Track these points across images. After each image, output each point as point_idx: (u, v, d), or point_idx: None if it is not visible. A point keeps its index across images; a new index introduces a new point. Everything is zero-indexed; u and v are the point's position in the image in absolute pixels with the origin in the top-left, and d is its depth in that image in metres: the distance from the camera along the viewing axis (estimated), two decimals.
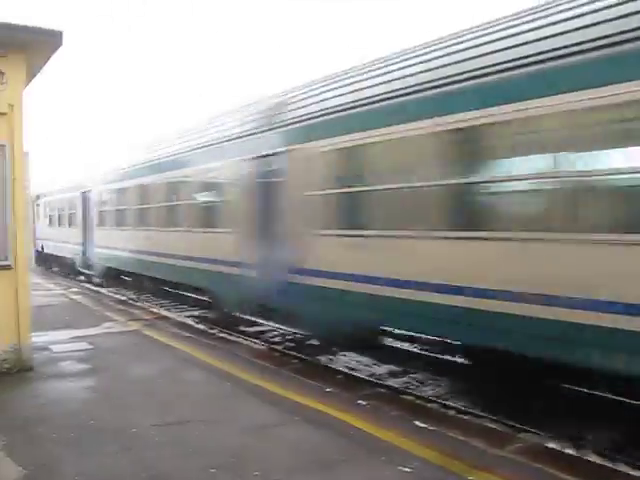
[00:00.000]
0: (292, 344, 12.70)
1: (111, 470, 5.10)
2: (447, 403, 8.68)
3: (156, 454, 5.43)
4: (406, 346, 12.10)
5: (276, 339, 13.23)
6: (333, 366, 10.80)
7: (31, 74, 9.02)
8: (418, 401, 8.51)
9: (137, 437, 5.82)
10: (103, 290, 20.50)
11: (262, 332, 13.87)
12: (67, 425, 6.15)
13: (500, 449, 5.71)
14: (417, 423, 6.43)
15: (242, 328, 14.02)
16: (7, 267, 8.28)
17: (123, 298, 18.28)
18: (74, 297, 16.96)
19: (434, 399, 8.90)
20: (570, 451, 6.51)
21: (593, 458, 6.32)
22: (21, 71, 8.38)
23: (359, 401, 7.19)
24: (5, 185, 8.22)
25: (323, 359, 11.34)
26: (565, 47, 6.28)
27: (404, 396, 8.75)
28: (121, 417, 6.42)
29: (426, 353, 11.60)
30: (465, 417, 7.72)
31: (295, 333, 13.66)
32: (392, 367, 10.80)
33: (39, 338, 9.70)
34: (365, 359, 11.35)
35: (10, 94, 8.23)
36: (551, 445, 6.59)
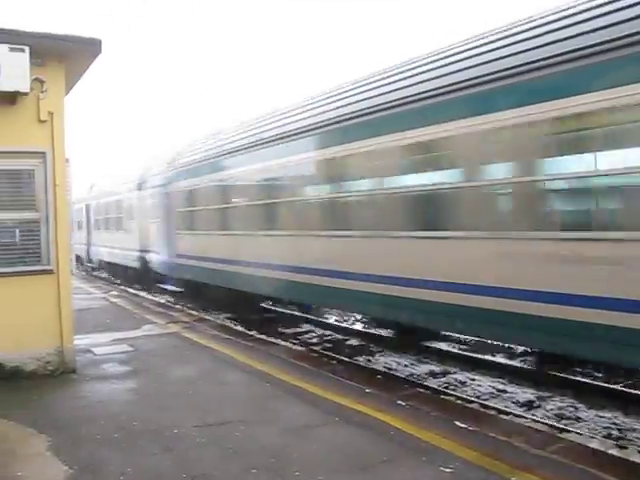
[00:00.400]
0: (330, 345, 12.74)
1: (154, 470, 5.16)
2: (487, 403, 8.62)
3: (198, 455, 5.48)
4: (445, 346, 12.04)
5: (314, 340, 13.29)
6: (372, 366, 10.79)
7: (71, 82, 9.17)
8: (458, 401, 8.47)
9: (179, 438, 5.88)
10: (142, 293, 20.76)
11: (300, 333, 13.95)
12: (110, 426, 6.24)
13: (542, 449, 5.63)
14: (457, 423, 6.39)
15: (280, 329, 14.10)
16: (49, 271, 8.44)
17: (162, 301, 18.50)
18: (114, 300, 17.20)
19: (474, 399, 8.85)
20: (613, 451, 6.43)
21: (637, 459, 6.23)
22: (60, 79, 8.54)
23: (399, 401, 7.16)
24: (47, 191, 8.38)
25: (361, 360, 11.35)
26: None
27: (444, 396, 8.71)
28: (163, 418, 6.49)
29: (465, 353, 11.55)
30: (506, 417, 7.65)
31: (332, 334, 13.69)
32: (432, 367, 10.76)
33: (81, 341, 9.86)
34: (404, 360, 11.33)
35: (50, 102, 8.39)
36: (594, 445, 6.51)
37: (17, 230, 8.48)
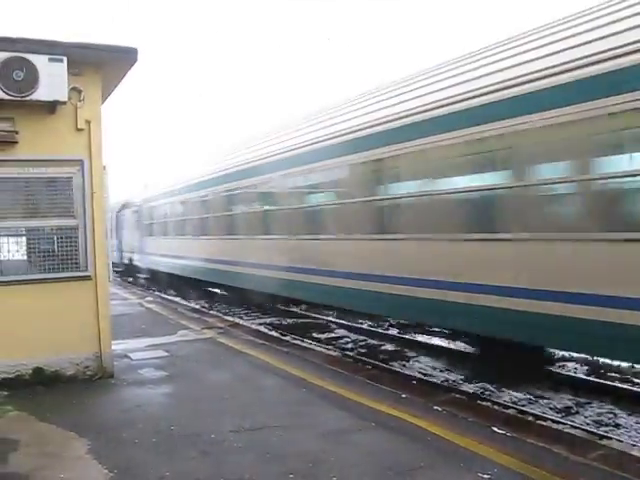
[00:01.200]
0: (364, 350, 12.72)
1: (192, 475, 5.19)
2: (525, 409, 8.53)
3: (235, 459, 5.50)
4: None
5: (348, 345, 13.28)
6: (407, 372, 10.75)
7: (107, 90, 9.30)
8: (495, 407, 8.39)
9: (216, 442, 5.91)
10: (177, 299, 20.94)
11: (334, 339, 13.94)
12: (148, 430, 6.31)
13: (582, 456, 5.55)
14: (495, 429, 6.33)
15: (315, 335, 14.12)
16: (87, 277, 8.56)
17: (197, 306, 18.64)
18: (149, 306, 17.38)
19: (511, 405, 8.76)
20: None
21: None
22: (97, 88, 8.67)
23: (435, 407, 7.12)
24: (85, 198, 8.51)
25: (396, 365, 11.31)
26: None
27: (480, 402, 8.64)
28: (200, 422, 6.54)
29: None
30: (544, 423, 7.56)
31: (367, 339, 13.67)
32: (467, 373, 10.67)
33: (118, 346, 9.96)
34: (439, 364, 11.27)
35: (87, 111, 8.52)
36: (635, 452, 6.40)
37: (55, 237, 8.62)
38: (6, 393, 7.77)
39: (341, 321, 15.18)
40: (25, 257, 8.65)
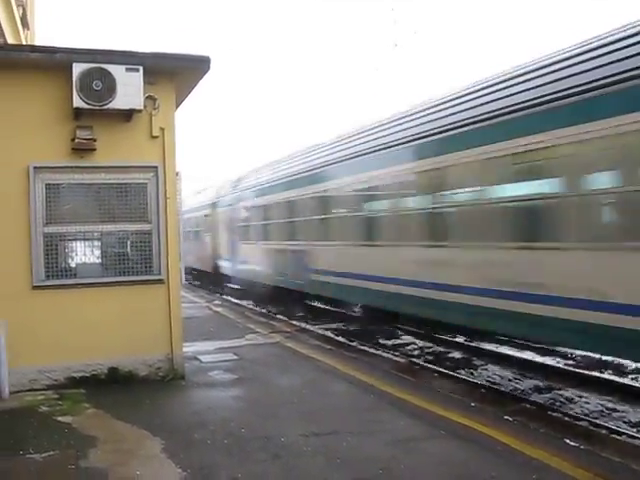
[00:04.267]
0: (431, 357, 12.62)
1: (263, 477, 5.28)
2: (598, 422, 8.32)
3: (305, 463, 5.55)
4: (550, 361, 11.72)
5: (415, 352, 13.19)
6: (475, 380, 10.62)
7: (181, 98, 9.53)
8: (566, 418, 8.22)
9: (286, 446, 5.97)
10: (244, 302, 21.21)
11: (401, 345, 13.87)
12: (220, 432, 6.41)
13: None
14: (567, 441, 6.21)
15: (381, 341, 14.09)
16: (160, 281, 8.77)
17: (264, 311, 18.84)
18: (217, 309, 17.65)
19: (583, 417, 8.56)
20: None
21: None
22: (171, 96, 8.89)
23: (505, 416, 7.03)
24: (158, 203, 8.73)
25: (464, 373, 11.18)
26: None
27: (551, 412, 8.47)
28: (269, 426, 6.61)
29: (572, 369, 11.19)
30: (619, 437, 7.36)
31: (433, 346, 13.55)
32: (536, 382, 10.49)
33: (188, 348, 10.14)
34: (507, 373, 11.10)
35: (162, 118, 8.75)
36: None
37: (129, 241, 8.87)
38: (83, 391, 8.04)
39: (407, 327, 15.10)
40: (100, 260, 8.92)
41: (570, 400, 9.51)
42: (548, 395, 9.81)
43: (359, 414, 7.03)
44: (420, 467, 5.44)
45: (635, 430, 8.11)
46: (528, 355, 12.01)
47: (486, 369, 11.55)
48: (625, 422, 8.52)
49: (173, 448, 5.95)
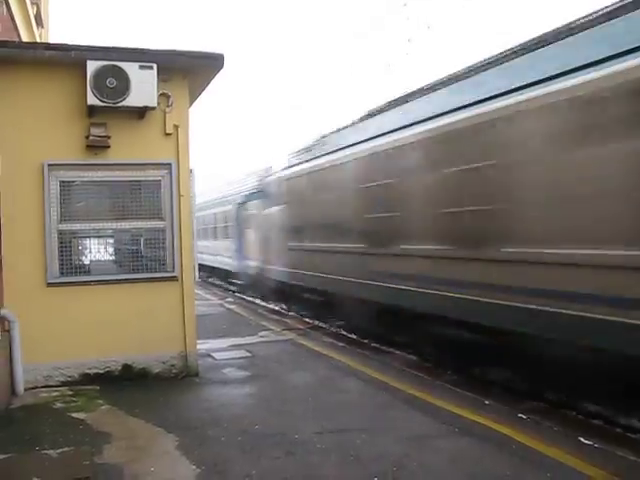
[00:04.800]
0: (444, 355, 12.54)
1: (277, 473, 5.26)
2: (613, 420, 8.25)
3: (319, 460, 5.54)
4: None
5: (427, 349, 13.11)
6: (488, 378, 10.55)
7: (194, 95, 9.53)
8: (581, 416, 8.16)
9: (300, 443, 5.96)
10: (257, 300, 21.21)
11: (413, 343, 13.79)
12: (234, 428, 6.42)
13: None
14: (582, 440, 6.16)
15: (396, 338, 14.03)
16: (174, 278, 8.79)
17: (276, 308, 18.84)
18: (230, 307, 17.71)
19: (598, 415, 8.49)
20: None
21: None
22: (185, 94, 8.90)
23: (519, 414, 6.99)
24: (172, 201, 8.75)
25: (477, 370, 11.11)
26: None
27: (565, 410, 8.41)
28: (283, 423, 6.61)
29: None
30: (634, 436, 7.30)
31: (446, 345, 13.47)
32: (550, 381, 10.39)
33: (201, 345, 10.13)
34: (521, 371, 11.00)
35: (175, 115, 8.76)
36: None
37: (143, 238, 8.89)
38: (97, 388, 8.08)
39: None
40: (113, 258, 8.96)
41: (584, 398, 9.42)
42: (562, 393, 9.72)
43: (372, 411, 7.02)
44: (433, 464, 5.41)
45: None
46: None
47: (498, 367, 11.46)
48: None
49: (187, 445, 5.96)
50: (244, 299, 21.37)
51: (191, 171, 8.96)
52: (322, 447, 5.85)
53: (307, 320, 15.52)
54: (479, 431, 6.30)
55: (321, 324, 14.96)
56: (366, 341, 12.60)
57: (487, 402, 7.45)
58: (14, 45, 8.48)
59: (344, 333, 13.96)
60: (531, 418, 6.94)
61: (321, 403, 7.41)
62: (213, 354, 10.26)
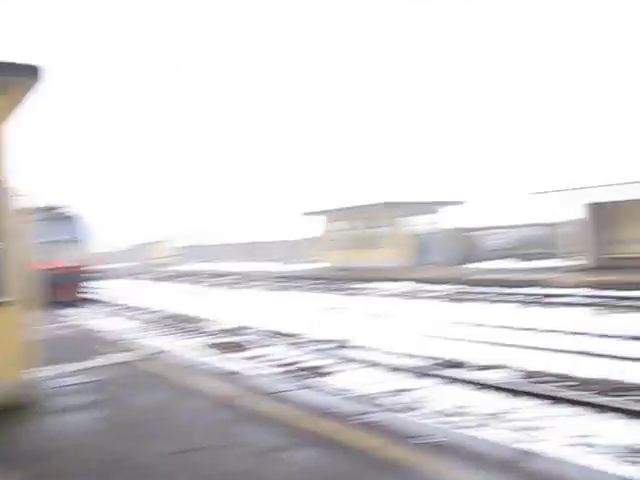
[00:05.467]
0: (295, 367, 12.70)
1: None
2: None
3: None
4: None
5: (278, 362, 13.26)
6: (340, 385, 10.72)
7: (12, 109, 8.81)
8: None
9: (148, 466, 5.91)
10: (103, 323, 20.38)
11: (261, 355, 13.93)
12: (78, 457, 6.24)
13: None
14: None
15: (248, 353, 14.06)
16: (10, 303, 8.35)
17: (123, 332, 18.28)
18: (65, 332, 16.96)
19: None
20: None
21: None
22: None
23: (358, 421, 7.23)
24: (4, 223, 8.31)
25: (330, 379, 11.26)
26: None
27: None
28: (130, 447, 6.50)
29: None
30: None
31: (300, 355, 13.62)
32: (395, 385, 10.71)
33: (44, 372, 9.73)
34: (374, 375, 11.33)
35: None
36: None
37: None
38: None
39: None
40: None
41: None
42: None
43: (219, 428, 7.05)
44: (286, 474, 5.55)
45: None
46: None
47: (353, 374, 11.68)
48: None
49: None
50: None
51: (19, 190, 8.52)
52: (172, 469, 5.81)
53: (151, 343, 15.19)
54: (328, 441, 6.45)
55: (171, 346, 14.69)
56: (212, 358, 12.53)
57: (332, 410, 7.64)
58: None
59: (197, 352, 13.80)
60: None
61: (168, 424, 7.31)
62: (55, 380, 9.83)
